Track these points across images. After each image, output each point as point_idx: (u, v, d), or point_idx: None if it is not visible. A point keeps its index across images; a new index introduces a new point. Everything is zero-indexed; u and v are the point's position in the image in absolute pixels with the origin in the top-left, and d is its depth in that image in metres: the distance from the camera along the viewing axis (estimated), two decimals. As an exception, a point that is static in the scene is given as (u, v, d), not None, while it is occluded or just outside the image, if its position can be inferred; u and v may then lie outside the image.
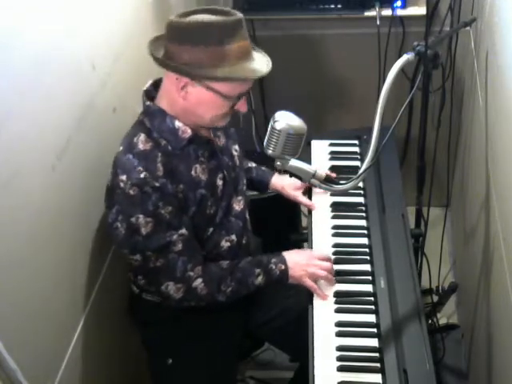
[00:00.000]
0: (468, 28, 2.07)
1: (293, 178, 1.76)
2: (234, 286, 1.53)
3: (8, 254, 1.19)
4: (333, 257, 1.63)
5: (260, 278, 1.55)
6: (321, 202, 1.78)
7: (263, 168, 1.87)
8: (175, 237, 1.43)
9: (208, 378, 1.65)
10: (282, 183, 1.81)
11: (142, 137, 1.43)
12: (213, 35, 1.33)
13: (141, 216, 1.38)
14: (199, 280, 1.49)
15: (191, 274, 1.48)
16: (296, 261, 1.57)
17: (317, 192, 1.79)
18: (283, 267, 1.56)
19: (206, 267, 1.52)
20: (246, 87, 1.42)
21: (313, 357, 1.41)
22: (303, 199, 1.78)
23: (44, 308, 1.36)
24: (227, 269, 1.54)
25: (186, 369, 1.63)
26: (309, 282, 1.53)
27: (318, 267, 1.54)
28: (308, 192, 1.81)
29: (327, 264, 1.56)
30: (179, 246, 1.44)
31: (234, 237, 1.62)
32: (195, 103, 1.42)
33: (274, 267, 1.55)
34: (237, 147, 1.68)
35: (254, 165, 1.87)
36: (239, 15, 1.37)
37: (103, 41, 1.61)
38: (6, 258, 1.18)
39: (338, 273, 1.59)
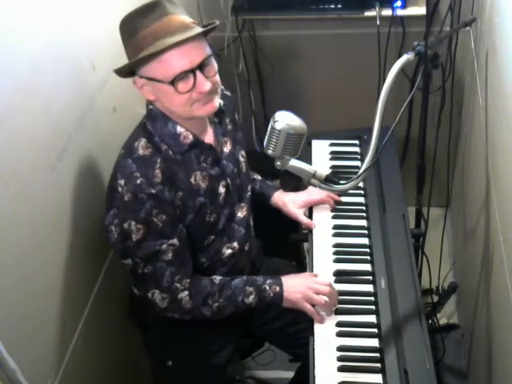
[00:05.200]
0: (468, 28, 2.07)
1: (295, 196, 1.78)
2: (221, 303, 1.50)
3: (8, 255, 1.19)
4: (333, 257, 1.63)
5: (251, 298, 1.52)
6: (321, 214, 1.77)
7: (268, 182, 1.85)
8: (165, 246, 1.41)
9: (208, 379, 1.65)
10: (284, 200, 1.78)
11: (143, 142, 1.41)
12: (127, 28, 1.34)
13: (133, 222, 1.37)
14: (185, 293, 1.47)
15: (178, 285, 1.46)
16: (293, 284, 1.53)
17: (317, 210, 1.78)
18: (278, 289, 1.52)
19: (196, 280, 1.50)
20: (179, 65, 1.31)
21: (313, 357, 1.41)
22: (303, 218, 1.75)
23: (44, 308, 1.36)
24: (218, 284, 1.52)
25: (187, 370, 1.63)
26: (307, 306, 1.50)
27: (316, 291, 1.50)
28: (309, 210, 1.79)
29: (325, 288, 1.51)
30: (169, 256, 1.43)
31: (235, 244, 1.60)
32: (159, 99, 1.41)
33: (267, 288, 1.52)
34: (243, 153, 1.66)
35: (259, 177, 1.85)
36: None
37: (103, 41, 1.61)
38: (5, 258, 1.18)
39: (339, 273, 1.59)
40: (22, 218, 1.25)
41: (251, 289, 1.52)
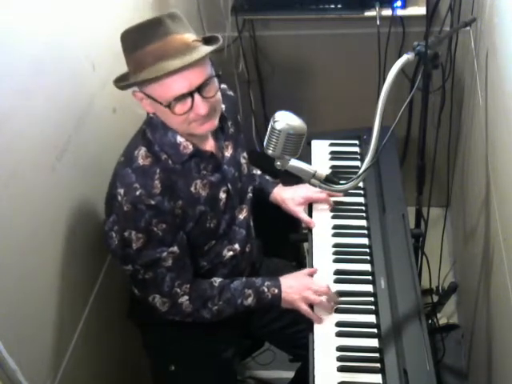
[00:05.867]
0: (468, 28, 2.07)
1: (295, 193, 1.77)
2: (220, 305, 1.51)
3: (8, 255, 1.20)
4: (333, 257, 1.63)
5: (250, 300, 1.52)
6: (321, 214, 1.77)
7: (267, 177, 1.84)
8: (165, 254, 1.42)
9: (208, 379, 1.64)
10: (283, 197, 1.77)
11: (143, 151, 1.40)
12: (128, 42, 1.32)
13: (133, 232, 1.37)
14: (185, 297, 1.48)
15: (178, 290, 1.47)
16: (291, 285, 1.54)
17: (317, 210, 1.78)
18: (276, 291, 1.53)
19: (195, 285, 1.51)
20: (177, 88, 1.31)
21: (313, 357, 1.41)
22: (303, 215, 1.74)
23: (44, 308, 1.36)
24: (218, 287, 1.52)
25: (187, 370, 1.63)
26: (303, 306, 1.50)
27: (313, 291, 1.51)
28: (308, 210, 1.79)
29: (324, 289, 1.52)
30: (169, 263, 1.43)
31: (236, 246, 1.60)
32: (157, 114, 1.40)
33: (266, 290, 1.53)
34: (245, 154, 1.65)
35: (259, 172, 1.84)
36: (161, 15, 1.32)
37: (103, 41, 1.61)
38: (5, 258, 1.19)
39: (339, 273, 1.59)
40: (22, 218, 1.25)
41: (250, 291, 1.53)
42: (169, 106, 1.32)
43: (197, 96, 1.33)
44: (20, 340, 1.23)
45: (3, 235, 1.18)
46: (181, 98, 1.32)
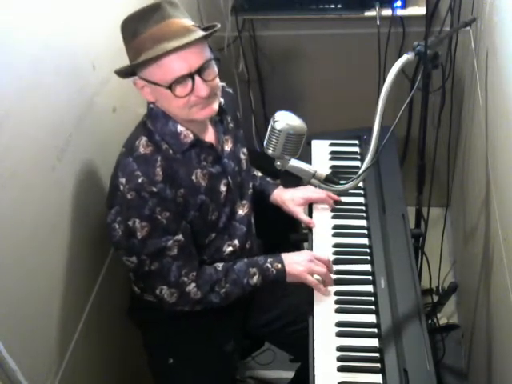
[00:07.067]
0: (468, 28, 2.07)
1: (294, 193, 1.78)
2: (228, 288, 1.52)
3: (8, 255, 1.19)
4: (332, 257, 1.63)
5: (256, 278, 1.54)
6: (321, 214, 1.77)
7: (268, 179, 1.85)
8: (170, 242, 1.42)
9: (208, 377, 1.64)
10: (283, 198, 1.78)
11: (144, 140, 1.42)
12: (128, 30, 1.35)
13: (137, 220, 1.38)
14: (193, 285, 1.49)
15: (185, 279, 1.47)
16: (293, 259, 1.56)
17: (317, 210, 1.78)
18: (279, 266, 1.55)
19: (201, 271, 1.51)
20: (177, 69, 1.32)
21: (313, 357, 1.40)
22: (303, 216, 1.75)
23: (44, 308, 1.36)
24: (222, 271, 1.53)
25: (187, 368, 1.63)
26: (309, 278, 1.52)
27: (316, 264, 1.54)
28: (308, 210, 1.79)
29: (325, 259, 1.56)
30: (174, 251, 1.44)
31: (236, 242, 1.61)
32: (158, 101, 1.42)
33: (269, 266, 1.55)
34: (245, 150, 1.67)
35: (259, 174, 1.85)
36: (160, 0, 1.34)
37: (103, 40, 1.61)
38: (5, 258, 1.18)
39: (339, 273, 1.59)
40: (22, 217, 1.25)
41: (254, 269, 1.54)
42: (170, 87, 1.34)
43: (197, 78, 1.34)
44: (20, 340, 1.23)
45: (3, 235, 1.18)
46: (181, 79, 1.33)
